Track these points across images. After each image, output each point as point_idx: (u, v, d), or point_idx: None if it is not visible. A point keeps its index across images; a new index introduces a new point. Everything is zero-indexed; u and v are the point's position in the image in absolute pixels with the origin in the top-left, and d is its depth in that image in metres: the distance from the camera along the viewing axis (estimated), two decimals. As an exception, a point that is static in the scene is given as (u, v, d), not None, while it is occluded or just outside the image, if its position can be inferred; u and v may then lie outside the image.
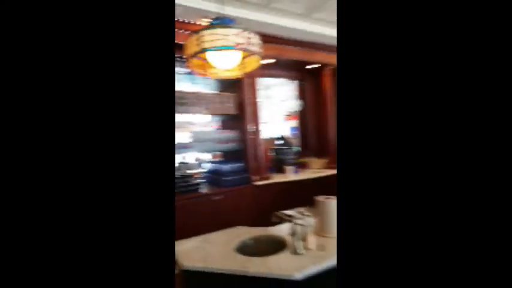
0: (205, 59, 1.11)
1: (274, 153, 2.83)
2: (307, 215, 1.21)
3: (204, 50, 0.90)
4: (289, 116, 3.22)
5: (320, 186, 2.53)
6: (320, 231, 1.21)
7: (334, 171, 2.76)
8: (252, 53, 0.99)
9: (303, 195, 2.43)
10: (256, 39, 0.94)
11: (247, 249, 1.17)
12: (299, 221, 1.12)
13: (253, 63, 1.12)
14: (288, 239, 1.15)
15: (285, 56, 2.60)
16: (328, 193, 1.30)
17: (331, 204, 1.21)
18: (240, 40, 0.87)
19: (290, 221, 1.14)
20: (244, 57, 1.11)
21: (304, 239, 1.10)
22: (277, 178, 2.49)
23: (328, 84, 2.99)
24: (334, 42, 2.96)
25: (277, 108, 3.18)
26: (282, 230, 1.32)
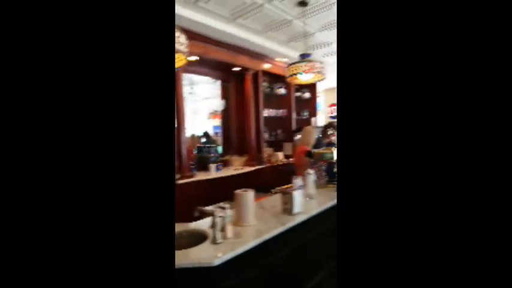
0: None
1: (197, 151, 2.84)
2: (226, 208, 1.32)
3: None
4: (213, 115, 3.28)
5: (241, 182, 2.70)
6: (237, 222, 1.33)
7: (253, 168, 2.99)
8: (178, 52, 1.01)
9: (225, 191, 2.53)
10: (183, 39, 0.97)
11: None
12: (218, 214, 1.21)
13: (179, 61, 1.14)
14: (209, 231, 1.22)
15: (209, 56, 2.65)
16: (247, 187, 1.43)
17: (247, 196, 1.35)
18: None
19: (211, 215, 1.21)
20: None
21: (223, 230, 1.19)
22: (200, 176, 2.52)
23: (249, 87, 3.20)
24: (257, 48, 3.19)
25: (202, 106, 3.19)
26: (203, 224, 1.38)
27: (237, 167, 3.02)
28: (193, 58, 2.57)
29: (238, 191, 1.37)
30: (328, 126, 2.43)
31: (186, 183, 2.35)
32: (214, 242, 1.13)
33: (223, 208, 1.44)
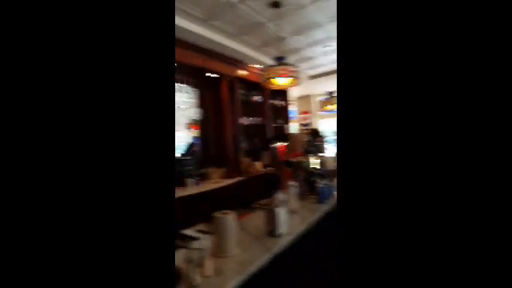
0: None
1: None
2: (204, 236, 1.14)
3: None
4: (191, 125, 3.07)
5: (221, 196, 2.52)
6: (217, 252, 1.16)
7: (232, 180, 2.81)
8: None
9: (204, 209, 2.34)
10: None
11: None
12: (195, 245, 1.03)
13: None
14: (184, 268, 1.04)
15: (185, 61, 2.47)
16: (229, 204, 1.27)
17: (226, 220, 1.19)
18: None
19: (185, 247, 1.03)
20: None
21: (200, 265, 1.02)
22: (177, 193, 2.30)
23: (226, 94, 3.05)
24: (232, 53, 3.06)
25: (182, 115, 2.98)
26: (177, 257, 1.18)
27: (216, 179, 2.83)
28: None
29: (217, 214, 1.20)
30: (316, 132, 2.36)
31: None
32: (190, 285, 0.94)
33: (200, 232, 1.26)
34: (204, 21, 2.50)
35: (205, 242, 1.05)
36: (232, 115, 3.10)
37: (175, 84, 2.83)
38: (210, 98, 3.15)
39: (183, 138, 2.94)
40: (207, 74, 2.93)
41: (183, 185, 2.50)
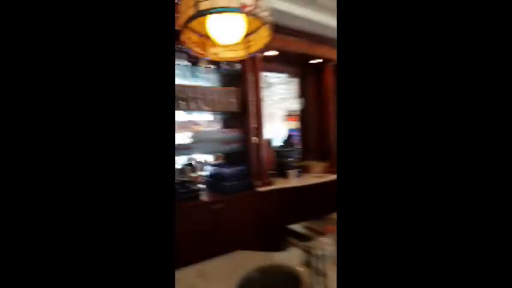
0: (203, 35, 0.86)
1: (275, 156, 2.58)
2: (327, 240, 0.96)
3: (200, 13, 0.63)
4: (291, 116, 2.97)
5: (324, 193, 2.30)
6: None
7: (336, 176, 2.53)
8: (262, 22, 0.72)
9: (307, 201, 2.20)
10: (265, 3, 0.68)
11: (252, 287, 0.90)
12: (317, 249, 0.86)
13: (261, 39, 0.86)
14: (302, 272, 0.89)
15: (287, 49, 2.35)
16: (331, 201, 1.05)
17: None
18: (247, 1, 0.61)
19: (305, 250, 0.88)
20: (249, 34, 0.85)
21: (323, 274, 0.84)
22: (280, 183, 2.25)
23: (330, 81, 2.77)
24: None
25: (279, 107, 2.93)
26: (292, 256, 1.05)
27: (317, 173, 2.62)
28: (272, 53, 2.31)
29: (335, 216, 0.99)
30: None
31: (266, 191, 2.11)
32: (314, 296, 0.79)
33: (313, 231, 1.10)
34: (309, 2, 2.29)
35: (329, 248, 0.86)
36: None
37: (275, 76, 2.77)
38: (312, 87, 2.94)
39: (281, 130, 2.86)
40: (310, 61, 2.73)
41: (284, 176, 2.42)
